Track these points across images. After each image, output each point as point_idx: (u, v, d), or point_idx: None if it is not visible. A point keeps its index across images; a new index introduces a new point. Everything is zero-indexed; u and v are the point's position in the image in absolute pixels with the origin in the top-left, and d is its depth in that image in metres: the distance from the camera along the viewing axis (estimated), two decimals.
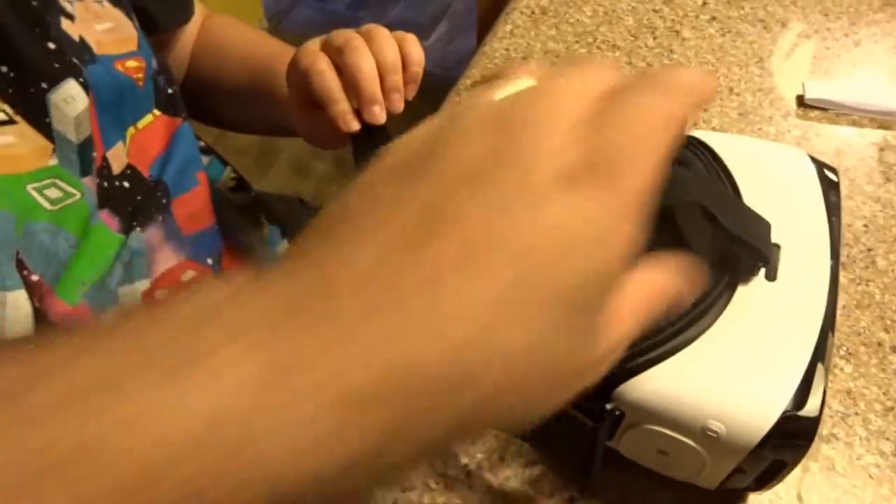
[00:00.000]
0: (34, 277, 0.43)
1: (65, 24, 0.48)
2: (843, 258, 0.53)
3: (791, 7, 0.73)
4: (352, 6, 2.33)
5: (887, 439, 0.44)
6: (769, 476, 0.37)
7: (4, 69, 0.43)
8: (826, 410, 0.45)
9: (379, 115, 0.46)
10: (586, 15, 0.72)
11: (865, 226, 0.55)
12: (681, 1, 0.74)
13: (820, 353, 0.36)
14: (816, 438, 0.43)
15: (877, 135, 0.61)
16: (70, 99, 0.46)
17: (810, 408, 0.35)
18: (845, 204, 0.56)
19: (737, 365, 0.36)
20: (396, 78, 0.47)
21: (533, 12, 0.73)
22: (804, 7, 0.73)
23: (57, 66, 0.45)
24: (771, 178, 0.42)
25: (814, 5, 0.73)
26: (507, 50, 0.69)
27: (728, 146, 0.43)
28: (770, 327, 0.37)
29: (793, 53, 0.68)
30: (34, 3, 0.45)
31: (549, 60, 0.68)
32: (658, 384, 0.36)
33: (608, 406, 0.36)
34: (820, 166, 0.44)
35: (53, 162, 0.45)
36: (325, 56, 0.47)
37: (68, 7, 0.49)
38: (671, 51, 0.69)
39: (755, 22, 0.71)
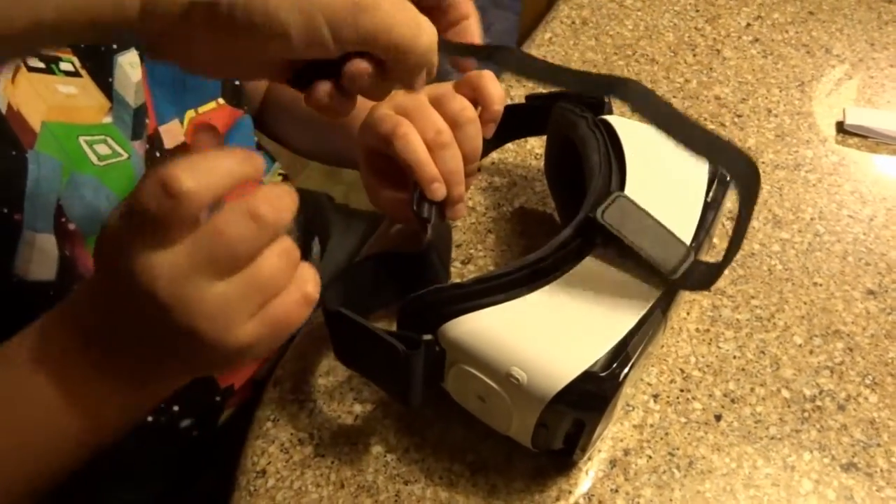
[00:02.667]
0: (71, 226, 0.43)
1: None
2: (873, 287, 0.52)
3: (837, 34, 0.72)
4: None
5: None
6: (574, 439, 0.38)
7: None
8: (847, 439, 0.44)
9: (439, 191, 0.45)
10: (627, 28, 0.72)
11: None
12: (724, 21, 0.73)
13: (642, 329, 0.37)
14: (836, 466, 0.42)
15: None
16: (134, 65, 0.48)
17: (611, 373, 0.36)
18: (881, 233, 0.55)
19: (556, 323, 0.38)
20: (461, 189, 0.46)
21: (573, 22, 0.72)
22: (850, 35, 0.72)
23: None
24: (663, 168, 0.43)
25: (860, 34, 0.72)
26: (544, 58, 0.69)
27: (633, 132, 0.44)
28: (603, 297, 0.39)
29: (835, 80, 0.67)
30: None
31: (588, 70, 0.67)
32: (478, 326, 0.38)
33: (425, 337, 0.38)
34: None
35: (108, 120, 0.47)
36: (407, 121, 0.45)
37: None
38: (711, 69, 0.68)
39: (799, 46, 0.70)
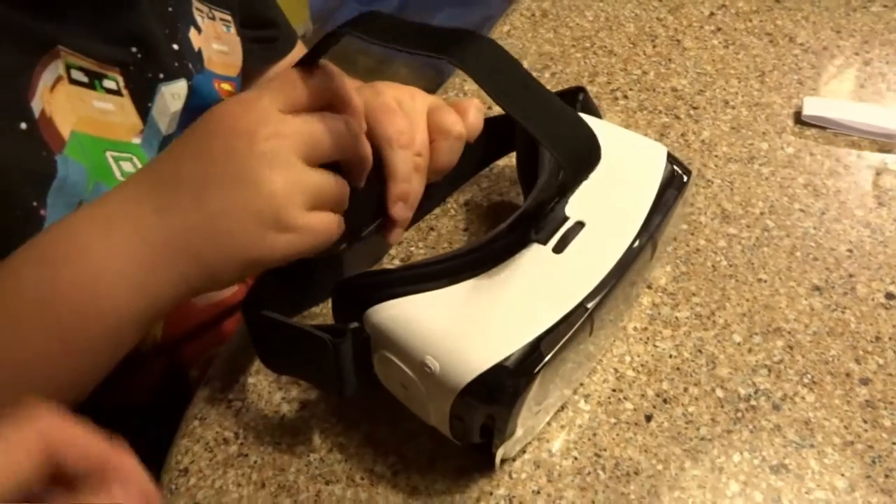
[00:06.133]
0: None
1: (192, 33, 0.54)
2: (820, 283, 0.50)
3: (802, 22, 0.70)
4: (397, 11, 2.35)
5: (842, 475, 0.42)
6: (489, 431, 0.38)
7: (134, 49, 0.49)
8: (779, 440, 0.43)
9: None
10: (587, 20, 0.71)
11: (850, 251, 0.52)
12: (687, 11, 0.72)
13: (560, 327, 0.36)
14: (766, 467, 0.41)
15: (875, 158, 0.58)
16: (177, 96, 0.51)
17: (522, 368, 0.35)
18: (832, 226, 0.54)
19: (476, 316, 0.37)
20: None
21: (533, 14, 0.71)
22: (816, 23, 0.70)
23: (176, 64, 0.51)
24: (617, 164, 0.42)
25: (826, 21, 0.70)
26: None
27: (596, 130, 0.44)
28: (529, 292, 0.38)
29: (797, 69, 0.65)
30: (170, 9, 0.52)
31: (543, 63, 0.66)
32: (399, 312, 0.38)
33: (352, 325, 0.38)
34: (674, 165, 0.44)
35: (137, 141, 0.49)
36: (410, 132, 0.44)
37: (199, 21, 0.54)
38: (669, 59, 0.67)
39: (762, 35, 0.69)
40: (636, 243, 0.40)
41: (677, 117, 0.62)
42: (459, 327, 0.37)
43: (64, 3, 0.45)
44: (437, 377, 0.36)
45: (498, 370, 0.35)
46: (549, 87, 0.55)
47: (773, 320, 0.49)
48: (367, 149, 0.41)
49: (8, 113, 0.42)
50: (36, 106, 0.43)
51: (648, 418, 0.44)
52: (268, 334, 0.42)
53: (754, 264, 0.52)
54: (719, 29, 0.70)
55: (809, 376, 0.46)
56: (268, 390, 0.46)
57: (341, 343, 0.38)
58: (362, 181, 0.42)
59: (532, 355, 0.36)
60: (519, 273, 0.39)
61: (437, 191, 0.52)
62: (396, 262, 0.52)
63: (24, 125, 0.43)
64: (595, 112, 0.50)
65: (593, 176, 0.43)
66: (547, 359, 0.36)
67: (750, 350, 0.47)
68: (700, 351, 0.47)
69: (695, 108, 0.62)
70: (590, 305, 0.38)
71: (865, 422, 0.44)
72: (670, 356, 0.47)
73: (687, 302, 0.50)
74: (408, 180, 0.44)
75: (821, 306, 0.49)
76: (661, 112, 0.62)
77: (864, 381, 0.46)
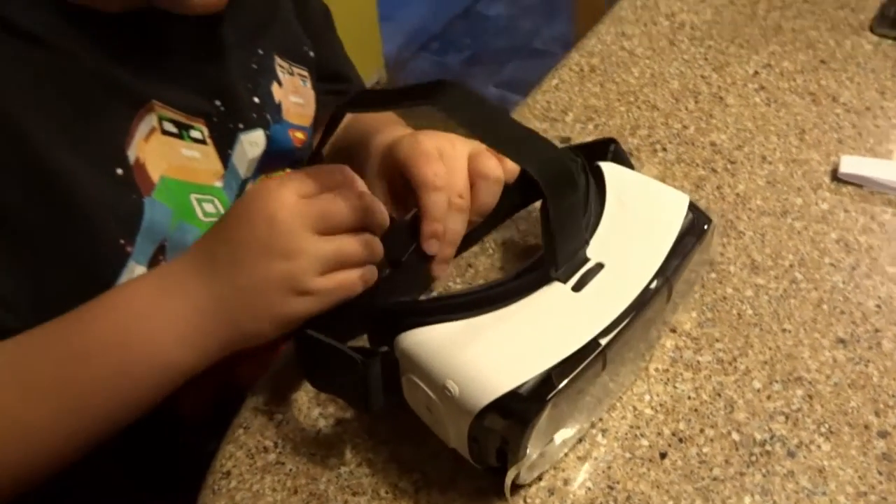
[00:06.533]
0: (163, 263, 0.51)
1: (274, 86, 0.59)
2: (845, 336, 0.51)
3: (846, 83, 0.71)
4: (467, 62, 2.43)
5: None
6: (504, 456, 0.40)
7: (218, 102, 0.55)
8: (791, 485, 0.44)
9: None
10: (633, 76, 0.74)
11: (878, 306, 0.53)
12: (732, 69, 0.74)
13: (573, 360, 0.39)
14: None
15: None
16: (254, 144, 0.57)
17: (536, 395, 0.38)
18: (861, 282, 0.55)
19: (496, 346, 0.40)
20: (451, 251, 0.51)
21: (582, 69, 0.75)
22: (861, 83, 0.71)
23: (255, 116, 0.57)
24: (640, 211, 0.46)
25: (871, 83, 0.71)
26: (548, 103, 0.72)
27: (621, 178, 0.47)
28: (547, 326, 0.41)
29: (837, 128, 0.67)
30: (254, 66, 0.58)
31: (588, 115, 0.70)
32: (426, 339, 0.41)
33: (381, 349, 0.42)
34: (697, 214, 0.47)
35: (219, 184, 0.55)
36: (445, 176, 0.49)
37: (281, 76, 0.60)
38: (711, 115, 0.69)
39: (805, 94, 0.70)
40: (652, 285, 0.43)
41: (714, 170, 0.64)
42: (480, 355, 0.40)
43: (161, 62, 0.51)
44: (457, 400, 0.39)
45: (512, 396, 0.38)
46: (590, 137, 0.59)
47: (795, 369, 0.50)
48: (378, 213, 0.46)
49: (107, 159, 0.48)
50: (131, 154, 0.49)
51: (663, 455, 0.46)
52: (310, 351, 0.46)
53: (780, 314, 0.53)
54: (763, 87, 0.72)
55: (827, 426, 0.47)
56: (307, 406, 0.50)
57: (370, 363, 0.42)
58: (379, 234, 0.47)
59: (545, 384, 0.39)
60: (539, 308, 0.42)
61: (475, 231, 0.56)
62: (434, 295, 0.56)
63: (119, 171, 0.49)
64: (626, 163, 0.53)
65: (615, 221, 0.46)
66: (559, 388, 0.39)
67: (769, 397, 0.48)
68: (719, 394, 0.49)
69: (732, 163, 0.64)
70: (603, 341, 0.41)
71: (881, 473, 0.44)
72: (689, 397, 0.49)
73: (710, 347, 0.51)
74: (439, 219, 0.48)
75: (844, 359, 0.50)
76: (698, 165, 0.64)
77: (883, 434, 0.46)
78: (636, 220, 0.45)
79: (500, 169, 0.51)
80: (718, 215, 0.60)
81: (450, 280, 0.57)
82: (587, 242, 0.44)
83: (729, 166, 0.64)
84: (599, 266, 0.44)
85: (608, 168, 0.49)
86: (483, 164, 0.51)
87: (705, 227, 0.46)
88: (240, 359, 0.59)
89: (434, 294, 0.56)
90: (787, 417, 0.47)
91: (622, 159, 0.53)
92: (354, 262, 0.45)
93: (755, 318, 0.53)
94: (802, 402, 0.48)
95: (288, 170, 0.63)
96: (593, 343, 0.40)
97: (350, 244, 0.45)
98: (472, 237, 0.58)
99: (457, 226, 0.50)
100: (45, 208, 0.46)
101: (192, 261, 0.46)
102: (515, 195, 0.55)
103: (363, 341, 0.46)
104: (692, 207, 0.47)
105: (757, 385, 0.49)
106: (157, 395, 0.46)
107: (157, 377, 0.46)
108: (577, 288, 0.43)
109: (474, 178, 0.51)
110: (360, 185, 0.46)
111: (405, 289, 0.55)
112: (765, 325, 0.52)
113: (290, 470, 0.47)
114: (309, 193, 0.44)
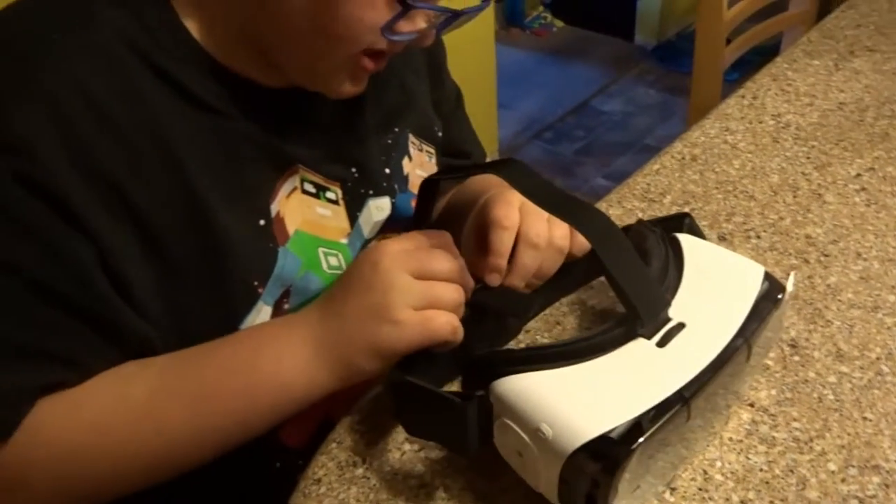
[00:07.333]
0: (286, 307, 0.59)
1: (405, 160, 0.68)
2: None
3: None
4: (578, 152, 2.51)
5: None
6: (593, 499, 0.42)
7: (354, 170, 0.62)
8: None
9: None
10: (734, 167, 0.78)
11: None
12: (833, 169, 0.76)
13: (660, 409, 0.42)
14: None
15: None
16: (381, 209, 0.65)
17: (626, 440, 0.41)
18: None
19: (586, 393, 0.43)
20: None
21: (683, 157, 0.79)
22: None
23: (384, 184, 0.65)
24: (717, 277, 0.49)
25: None
26: (647, 185, 0.76)
27: (697, 248, 0.53)
28: (634, 377, 0.44)
29: None
30: (389, 142, 0.66)
31: (685, 200, 0.74)
32: (520, 386, 0.44)
33: (478, 392, 0.46)
34: (772, 283, 0.49)
35: (344, 241, 0.63)
36: (516, 223, 0.55)
37: (412, 152, 0.69)
38: (808, 210, 0.71)
39: None
40: (733, 344, 0.45)
41: (807, 261, 0.66)
42: (571, 401, 0.43)
43: (308, 132, 0.59)
44: (550, 442, 0.42)
45: (604, 440, 0.41)
46: None
47: (873, 457, 0.50)
48: (468, 274, 0.53)
49: (253, 211, 0.56)
50: (273, 208, 0.56)
51: None
52: (406, 397, 0.49)
53: (862, 403, 0.53)
54: (864, 188, 0.73)
55: None
56: (397, 430, 0.55)
57: (468, 406, 0.45)
58: (467, 295, 0.53)
59: (635, 430, 0.41)
60: (625, 361, 0.45)
61: (545, 296, 0.62)
62: (523, 346, 0.60)
63: (262, 222, 0.56)
64: (700, 236, 0.56)
65: (694, 285, 0.49)
66: (647, 434, 0.41)
67: (843, 480, 0.49)
68: (792, 471, 0.50)
69: (825, 255, 0.66)
70: (687, 394, 0.43)
71: None
72: (761, 470, 0.50)
73: (787, 425, 0.52)
74: (503, 256, 0.54)
75: None
76: (791, 254, 0.66)
77: None
78: (714, 285, 0.48)
79: (567, 240, 0.56)
80: (807, 303, 0.62)
81: (538, 334, 0.61)
82: (669, 303, 0.48)
83: (822, 258, 0.66)
84: (681, 325, 0.47)
85: (684, 238, 0.53)
86: (554, 231, 0.56)
87: (779, 295, 0.48)
88: (338, 399, 0.65)
89: (524, 346, 0.60)
90: (860, 502, 0.48)
91: (696, 232, 0.56)
92: (443, 305, 0.50)
93: (836, 403, 0.54)
94: (878, 489, 0.48)
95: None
96: (678, 395, 0.43)
97: (440, 287, 0.50)
98: (542, 302, 0.62)
99: (527, 261, 0.55)
100: (196, 245, 0.53)
101: (316, 305, 0.53)
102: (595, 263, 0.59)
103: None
104: (767, 276, 0.50)
105: (832, 467, 0.50)
106: (270, 419, 0.52)
107: (275, 398, 0.51)
108: (662, 344, 0.46)
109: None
110: (455, 250, 0.53)
111: (492, 341, 0.59)
112: (845, 411, 0.53)
113: (374, 485, 0.51)
114: (411, 248, 0.51)
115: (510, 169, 0.51)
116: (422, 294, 0.49)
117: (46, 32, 0.49)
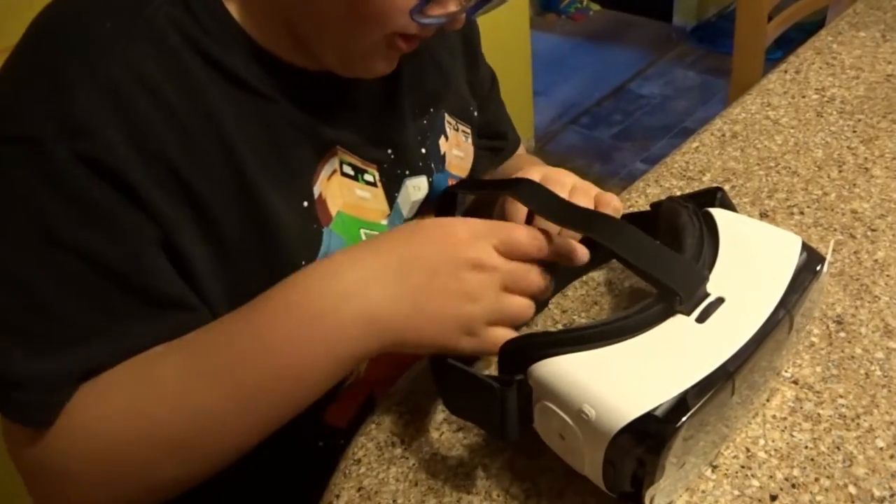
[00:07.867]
0: None
1: (441, 140, 0.68)
2: None
3: None
4: (616, 136, 2.48)
5: None
6: (638, 479, 0.41)
7: (389, 151, 0.63)
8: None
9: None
10: (776, 143, 0.76)
11: None
12: (881, 143, 0.74)
13: (705, 385, 0.41)
14: None
15: None
16: (417, 189, 0.66)
17: (671, 417, 0.40)
18: None
19: (628, 372, 0.43)
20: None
21: (724, 135, 0.78)
22: None
23: (420, 164, 0.66)
24: (754, 250, 0.48)
25: None
26: (686, 163, 0.75)
27: (730, 221, 0.52)
28: (678, 354, 0.43)
29: None
30: (425, 122, 0.66)
31: (725, 177, 0.72)
32: (560, 368, 0.44)
33: (517, 377, 0.45)
34: (810, 253, 0.48)
35: (384, 222, 0.64)
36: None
37: (448, 131, 0.69)
38: (854, 184, 0.69)
39: None
40: (774, 316, 0.44)
41: (853, 236, 0.64)
42: (613, 381, 0.43)
43: (347, 115, 0.60)
44: (593, 423, 0.42)
45: (648, 418, 0.40)
46: None
47: None
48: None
49: (297, 193, 0.56)
50: (316, 190, 0.57)
51: (773, 498, 0.46)
52: (447, 378, 0.50)
53: None
54: None
55: None
56: (434, 411, 0.55)
57: (507, 390, 0.45)
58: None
59: (679, 407, 0.40)
60: (666, 338, 0.45)
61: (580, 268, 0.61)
62: (560, 327, 0.60)
63: (305, 203, 0.57)
64: (732, 209, 0.55)
65: (730, 259, 0.48)
66: (692, 411, 0.40)
67: (892, 456, 0.48)
68: (838, 447, 0.48)
69: (873, 230, 0.64)
70: (731, 368, 0.42)
71: None
72: (806, 447, 0.49)
73: (832, 402, 0.51)
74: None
75: None
76: (836, 230, 0.64)
77: None
78: (751, 258, 0.47)
79: (618, 202, 0.58)
80: (853, 279, 0.60)
81: (574, 314, 0.60)
82: (706, 279, 0.47)
83: (869, 233, 0.64)
84: (720, 300, 0.46)
85: (718, 213, 0.52)
86: (606, 196, 0.58)
87: (818, 266, 0.47)
88: (381, 379, 0.65)
89: (561, 327, 0.60)
90: None
91: (729, 206, 0.55)
92: (508, 322, 0.50)
93: (884, 379, 0.52)
94: None
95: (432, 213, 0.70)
96: (722, 369, 0.42)
97: (518, 307, 0.50)
98: (577, 271, 0.63)
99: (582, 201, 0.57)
100: (248, 226, 0.53)
101: (375, 267, 0.49)
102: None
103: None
104: (805, 247, 0.48)
105: (880, 444, 0.48)
106: (319, 389, 0.50)
107: (321, 378, 0.49)
108: (701, 319, 0.45)
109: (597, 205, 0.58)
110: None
111: None
112: (894, 387, 0.52)
113: (413, 464, 0.52)
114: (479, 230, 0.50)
115: (525, 188, 0.54)
116: (501, 314, 0.50)
117: (99, 20, 0.50)
